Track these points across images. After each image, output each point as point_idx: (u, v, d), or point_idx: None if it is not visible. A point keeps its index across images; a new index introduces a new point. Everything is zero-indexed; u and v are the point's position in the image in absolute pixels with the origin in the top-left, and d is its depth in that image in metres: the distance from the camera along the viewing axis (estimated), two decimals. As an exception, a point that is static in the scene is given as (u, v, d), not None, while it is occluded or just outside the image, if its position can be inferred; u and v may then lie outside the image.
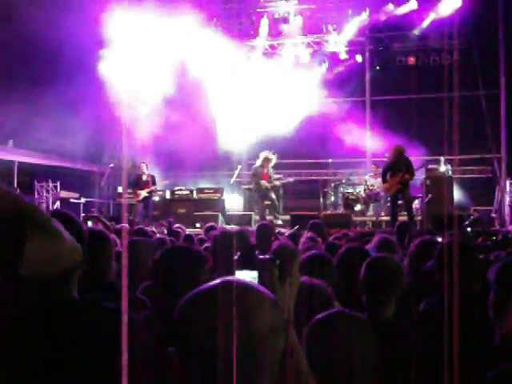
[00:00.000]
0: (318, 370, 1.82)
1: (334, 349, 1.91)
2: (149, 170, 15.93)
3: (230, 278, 1.23)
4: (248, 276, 2.59)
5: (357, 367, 1.87)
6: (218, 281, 1.20)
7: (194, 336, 1.14)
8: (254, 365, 1.11)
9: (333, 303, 2.80)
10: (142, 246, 4.58)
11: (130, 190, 15.56)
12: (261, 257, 2.53)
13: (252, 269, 2.60)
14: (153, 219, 15.27)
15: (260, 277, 2.58)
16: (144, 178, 15.68)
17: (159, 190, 16.73)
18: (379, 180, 15.98)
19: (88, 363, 2.02)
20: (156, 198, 16.38)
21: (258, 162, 15.14)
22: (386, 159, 13.43)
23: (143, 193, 15.53)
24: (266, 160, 15.05)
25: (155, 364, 2.12)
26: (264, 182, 14.90)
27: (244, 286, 1.18)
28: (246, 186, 16.41)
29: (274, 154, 15.12)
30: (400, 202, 13.61)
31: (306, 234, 6.81)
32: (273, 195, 15.05)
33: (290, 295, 3.16)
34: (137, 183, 15.69)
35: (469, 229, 11.08)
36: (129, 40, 16.40)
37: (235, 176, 16.09)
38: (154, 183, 15.80)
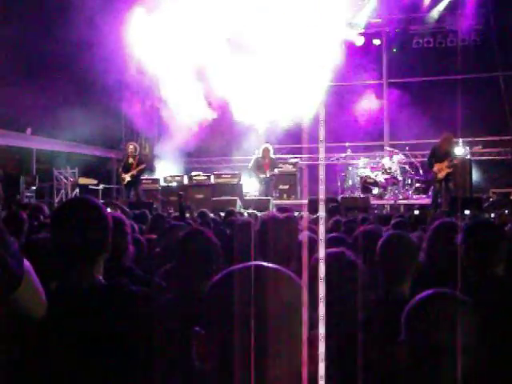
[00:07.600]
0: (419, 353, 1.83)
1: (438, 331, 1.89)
2: (137, 152, 15.29)
3: (257, 262, 1.27)
4: None
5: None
6: (248, 263, 1.25)
7: (225, 315, 1.17)
8: (282, 340, 1.17)
9: (358, 268, 2.77)
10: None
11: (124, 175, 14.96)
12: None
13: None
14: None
15: None
16: (130, 160, 15.00)
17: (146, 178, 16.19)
18: (395, 158, 16.01)
19: (118, 345, 2.05)
20: (173, 184, 16.25)
21: (260, 154, 15.87)
22: (435, 145, 13.58)
23: (127, 177, 14.91)
24: (265, 150, 15.71)
25: (180, 345, 2.14)
26: (263, 173, 15.61)
27: (273, 268, 1.25)
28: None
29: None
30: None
31: (334, 218, 6.87)
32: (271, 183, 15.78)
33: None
34: (124, 167, 15.11)
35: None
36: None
37: (253, 161, 16.02)
38: (138, 166, 14.98)
